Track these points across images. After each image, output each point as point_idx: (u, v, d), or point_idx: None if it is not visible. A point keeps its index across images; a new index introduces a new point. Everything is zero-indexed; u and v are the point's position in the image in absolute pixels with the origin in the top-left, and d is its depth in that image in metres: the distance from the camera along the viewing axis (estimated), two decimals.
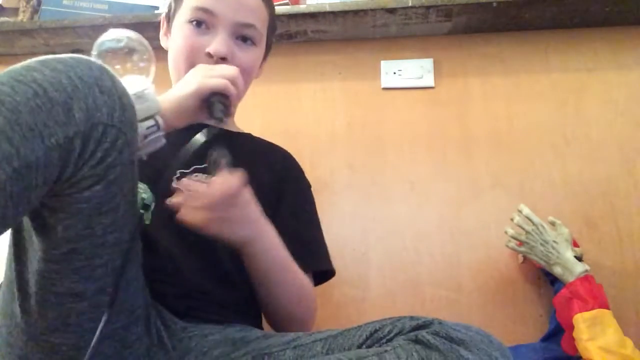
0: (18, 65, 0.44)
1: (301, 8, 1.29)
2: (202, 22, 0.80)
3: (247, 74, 0.82)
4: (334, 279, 1.23)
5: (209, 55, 0.78)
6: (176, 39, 0.82)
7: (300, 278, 0.78)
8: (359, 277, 1.23)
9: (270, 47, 0.95)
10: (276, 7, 1.29)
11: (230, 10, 0.79)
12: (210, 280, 0.74)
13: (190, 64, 0.77)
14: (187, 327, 0.69)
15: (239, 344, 0.64)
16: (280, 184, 0.89)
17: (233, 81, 0.68)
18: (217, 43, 0.78)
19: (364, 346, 0.53)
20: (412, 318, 0.52)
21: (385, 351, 0.48)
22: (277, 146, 0.99)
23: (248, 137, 0.97)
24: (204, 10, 0.79)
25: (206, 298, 0.73)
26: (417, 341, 0.47)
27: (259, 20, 0.83)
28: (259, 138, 0.98)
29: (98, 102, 0.45)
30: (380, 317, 0.57)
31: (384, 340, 0.51)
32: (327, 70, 1.40)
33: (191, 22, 0.80)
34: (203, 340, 0.67)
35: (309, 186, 0.97)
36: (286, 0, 1.34)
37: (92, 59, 0.48)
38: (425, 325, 0.50)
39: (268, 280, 0.74)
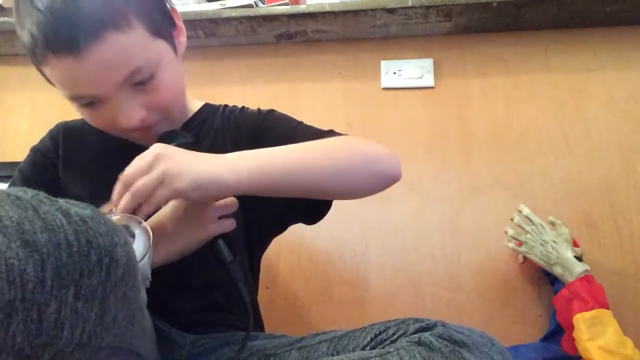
0: None
1: (301, 8, 1.29)
2: (89, 103, 0.66)
3: (168, 96, 0.69)
4: (334, 278, 1.23)
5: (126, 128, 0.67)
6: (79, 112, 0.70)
7: (326, 145, 0.67)
8: (359, 277, 1.23)
9: (168, 17, 0.72)
10: (276, 7, 1.30)
11: (102, 78, 0.61)
12: (219, 292, 0.74)
13: (115, 133, 0.71)
14: (197, 340, 0.69)
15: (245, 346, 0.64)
16: (256, 143, 0.76)
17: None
18: (121, 119, 0.66)
19: (368, 347, 0.53)
20: (416, 320, 0.52)
21: (389, 353, 0.48)
22: (222, 113, 0.84)
23: (197, 123, 0.83)
24: (80, 98, 0.64)
25: (215, 309, 0.74)
26: (420, 343, 0.47)
27: (137, 55, 0.63)
28: (203, 113, 0.84)
29: None
30: (380, 317, 0.57)
31: (388, 342, 0.51)
32: (327, 70, 1.40)
33: (79, 107, 0.67)
34: (211, 348, 0.67)
35: (269, 112, 0.83)
36: (286, 0, 1.34)
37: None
38: (428, 327, 0.50)
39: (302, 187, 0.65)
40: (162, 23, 0.68)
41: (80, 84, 0.63)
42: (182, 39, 0.75)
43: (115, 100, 0.65)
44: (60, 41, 0.58)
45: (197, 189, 0.56)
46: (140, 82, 0.64)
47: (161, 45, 0.67)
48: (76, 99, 0.65)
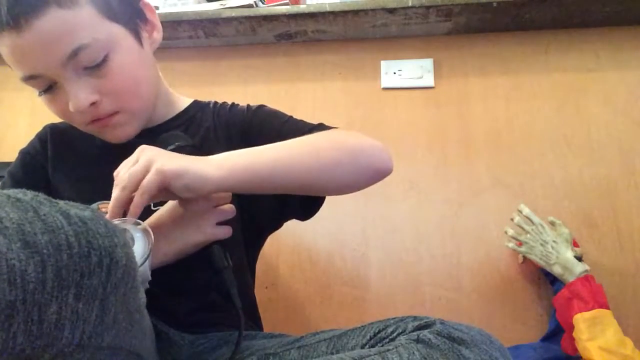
0: None
1: (301, 8, 1.29)
2: (46, 88, 0.67)
3: (122, 82, 0.68)
4: (334, 278, 1.23)
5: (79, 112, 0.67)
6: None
7: (312, 140, 0.68)
8: (359, 277, 1.23)
9: (133, 7, 0.72)
10: (276, 7, 1.30)
11: (45, 53, 0.62)
12: (216, 293, 0.74)
13: (78, 125, 0.72)
14: (195, 340, 0.69)
15: (243, 345, 0.64)
16: (248, 138, 0.78)
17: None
18: (70, 101, 0.65)
19: (367, 346, 0.53)
20: (415, 318, 0.52)
21: (388, 350, 0.47)
22: (212, 110, 0.84)
23: (184, 120, 0.82)
24: (29, 78, 0.65)
25: (213, 309, 0.73)
26: (419, 340, 0.47)
27: (81, 32, 0.62)
28: (191, 110, 0.84)
29: None
30: (380, 317, 0.57)
31: (387, 340, 0.51)
32: (327, 70, 1.40)
33: (39, 94, 0.68)
34: (209, 348, 0.68)
35: (259, 107, 0.83)
36: (286, 0, 1.34)
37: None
38: (427, 325, 0.50)
39: (292, 182, 0.65)
40: (122, 9, 0.68)
41: (25, 62, 0.63)
42: (155, 35, 0.75)
43: (66, 83, 0.65)
44: (2, 17, 0.59)
45: (179, 177, 0.56)
46: (92, 65, 0.64)
47: (116, 29, 0.67)
48: (30, 81, 0.66)
